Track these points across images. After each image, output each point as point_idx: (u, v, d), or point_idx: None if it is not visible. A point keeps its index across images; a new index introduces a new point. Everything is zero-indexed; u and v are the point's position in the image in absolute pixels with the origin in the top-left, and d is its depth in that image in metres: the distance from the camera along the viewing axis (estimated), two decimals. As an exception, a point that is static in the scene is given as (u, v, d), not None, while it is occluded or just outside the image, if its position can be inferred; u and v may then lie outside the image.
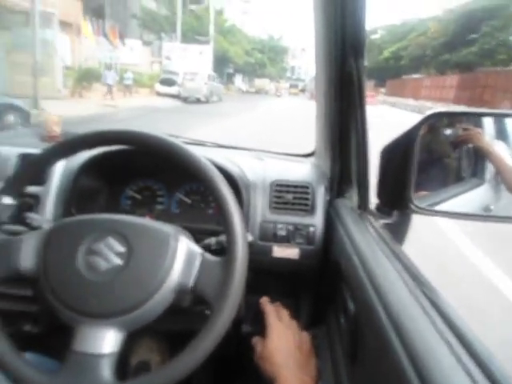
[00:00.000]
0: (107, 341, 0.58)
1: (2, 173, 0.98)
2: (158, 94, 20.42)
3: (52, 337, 0.97)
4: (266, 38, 49.43)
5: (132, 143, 0.68)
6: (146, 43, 27.41)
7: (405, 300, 0.55)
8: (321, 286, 0.98)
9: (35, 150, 1.02)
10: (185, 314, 0.84)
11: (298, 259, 0.91)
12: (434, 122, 0.81)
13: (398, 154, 0.82)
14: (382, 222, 0.84)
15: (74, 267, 0.60)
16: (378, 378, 0.55)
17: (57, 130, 1.16)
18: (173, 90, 19.88)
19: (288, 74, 69.03)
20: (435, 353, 0.42)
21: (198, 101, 18.81)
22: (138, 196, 1.05)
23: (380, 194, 0.86)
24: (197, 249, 0.65)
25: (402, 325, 0.49)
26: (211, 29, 29.09)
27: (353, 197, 0.96)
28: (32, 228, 0.74)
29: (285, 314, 0.85)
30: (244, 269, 0.62)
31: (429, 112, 0.78)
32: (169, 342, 1.15)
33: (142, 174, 1.06)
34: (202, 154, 0.67)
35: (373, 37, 41.98)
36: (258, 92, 41.56)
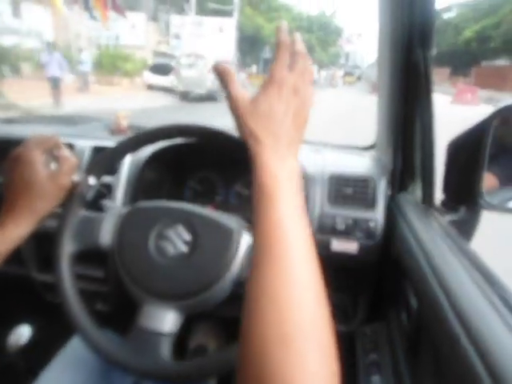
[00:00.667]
0: (167, 321, 0.62)
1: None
2: (149, 86, 14.29)
3: (119, 315, 1.05)
4: (316, 14, 38.83)
5: (196, 136, 0.72)
6: (154, 18, 19.87)
7: (474, 298, 0.53)
8: (380, 281, 0.96)
9: (107, 143, 1.10)
10: (242, 302, 0.87)
11: (356, 254, 0.90)
12: (508, 115, 0.75)
13: (467, 147, 0.78)
14: (449, 218, 0.80)
15: (146, 249, 0.65)
16: (443, 374, 0.54)
17: (124, 124, 1.23)
18: (168, 80, 13.58)
19: (342, 61, 61.74)
20: (509, 352, 0.41)
21: (210, 97, 12.02)
22: (198, 187, 1.10)
23: (446, 189, 0.83)
24: None
25: (472, 323, 0.48)
26: (236, -7, 19.16)
27: (416, 191, 0.93)
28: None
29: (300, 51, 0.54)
30: None
31: (503, 103, 0.74)
32: (226, 328, 1.19)
33: (202, 166, 1.10)
34: None
35: (447, 16, 32.14)
36: (304, 82, 33.96)
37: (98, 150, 1.08)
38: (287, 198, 0.47)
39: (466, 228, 0.81)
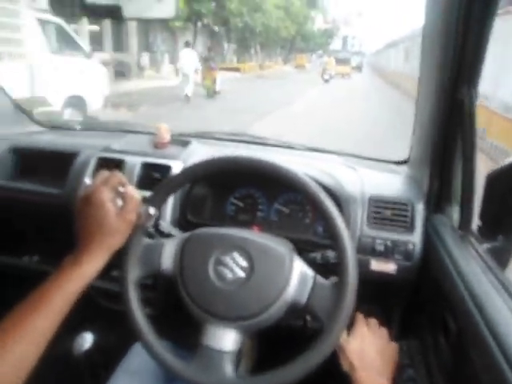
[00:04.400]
0: (229, 340, 0.69)
1: (128, 179, 1.14)
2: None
3: (165, 319, 1.13)
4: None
5: (247, 170, 0.78)
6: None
7: None
8: (414, 299, 1.02)
9: (154, 160, 1.17)
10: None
11: (394, 274, 0.96)
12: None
13: (505, 182, 0.82)
14: (486, 246, 0.85)
15: (206, 274, 0.71)
16: None
17: (167, 136, 1.29)
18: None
19: (336, 47, 49.67)
20: None
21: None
22: (240, 204, 1.16)
23: (483, 217, 0.87)
24: (309, 271, 0.73)
25: None
26: None
27: (452, 215, 0.97)
28: (161, 233, 0.88)
29: (373, 321, 0.88)
30: (355, 292, 0.68)
31: None
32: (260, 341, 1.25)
33: (244, 183, 1.15)
34: (303, 171, 0.75)
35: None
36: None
37: (147, 167, 1.15)
38: None
39: (501, 256, 0.85)
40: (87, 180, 1.15)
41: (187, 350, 0.78)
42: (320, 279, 0.72)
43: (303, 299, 0.70)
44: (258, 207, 1.15)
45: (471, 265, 0.79)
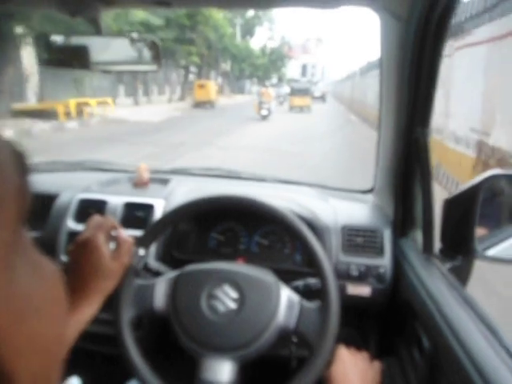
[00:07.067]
0: (226, 371, 0.73)
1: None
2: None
3: (156, 358, 1.13)
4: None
5: (232, 207, 0.84)
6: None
7: (483, 350, 0.65)
8: (389, 320, 1.09)
9: (136, 199, 1.20)
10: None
11: (369, 297, 1.04)
12: (494, 181, 0.91)
13: (460, 205, 0.93)
14: (448, 265, 0.94)
15: (199, 309, 0.76)
16: None
17: (146, 176, 1.33)
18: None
19: (292, 76, 44.86)
20: None
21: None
22: (222, 238, 1.21)
23: (444, 239, 0.97)
24: (295, 296, 0.79)
25: (484, 370, 0.61)
26: None
27: (416, 238, 1.07)
28: (149, 271, 0.91)
29: (353, 348, 0.94)
30: (338, 314, 0.75)
31: (489, 173, 0.89)
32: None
33: (224, 217, 1.21)
34: (282, 206, 0.82)
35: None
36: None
37: (129, 206, 1.18)
38: None
39: (462, 274, 0.95)
40: (69, 222, 1.17)
41: None
42: (306, 303, 0.78)
43: (292, 323, 0.76)
44: (239, 240, 1.20)
45: (436, 284, 0.88)
